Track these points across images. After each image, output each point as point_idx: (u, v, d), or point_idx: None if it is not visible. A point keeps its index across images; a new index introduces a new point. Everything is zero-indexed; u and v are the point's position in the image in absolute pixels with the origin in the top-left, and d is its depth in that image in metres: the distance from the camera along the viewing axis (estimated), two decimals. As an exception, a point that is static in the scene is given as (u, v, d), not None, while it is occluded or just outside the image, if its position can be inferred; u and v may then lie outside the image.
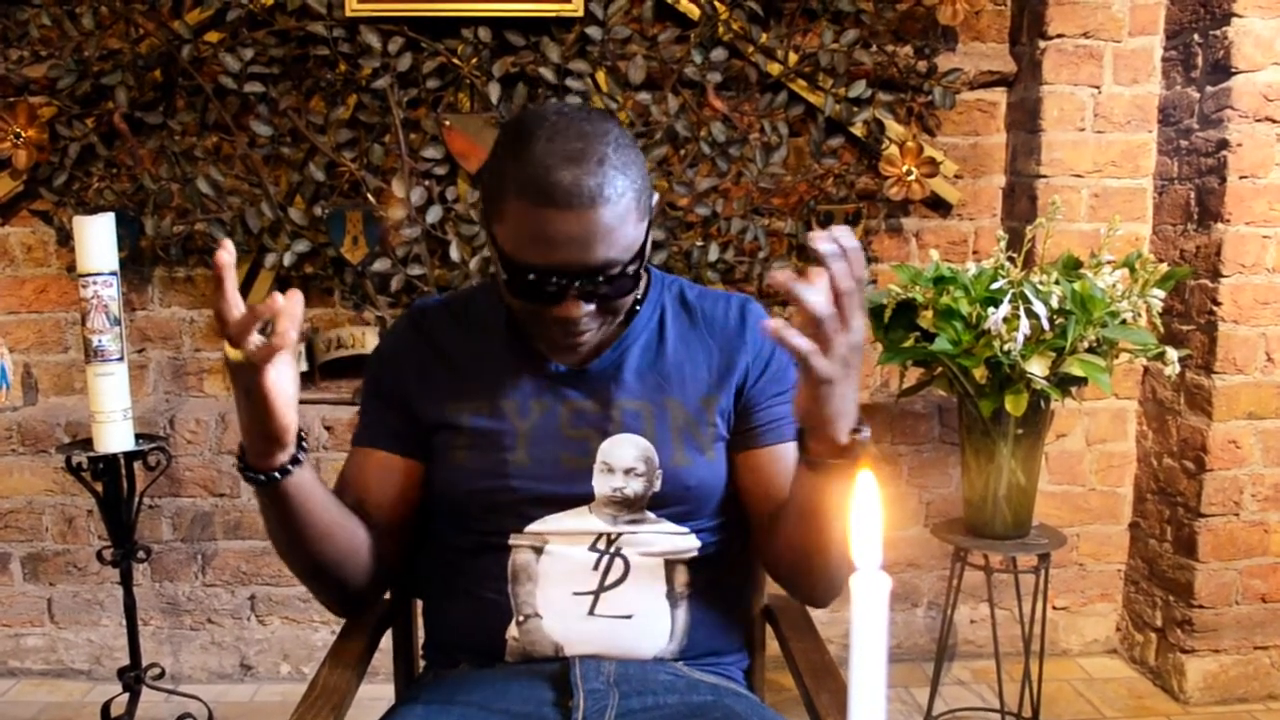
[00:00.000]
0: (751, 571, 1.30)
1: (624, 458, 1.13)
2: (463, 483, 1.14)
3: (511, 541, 1.13)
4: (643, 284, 1.18)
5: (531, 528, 1.13)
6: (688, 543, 1.16)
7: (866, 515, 0.54)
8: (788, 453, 1.14)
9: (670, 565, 1.15)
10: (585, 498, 1.13)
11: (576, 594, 1.11)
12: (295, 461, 0.99)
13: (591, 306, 1.05)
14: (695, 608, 1.15)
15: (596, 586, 1.12)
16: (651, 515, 1.14)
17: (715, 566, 1.18)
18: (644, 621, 1.13)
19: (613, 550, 1.13)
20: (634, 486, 1.13)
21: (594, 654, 1.11)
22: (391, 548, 1.17)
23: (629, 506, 1.13)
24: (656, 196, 1.13)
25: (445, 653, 1.19)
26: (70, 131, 2.24)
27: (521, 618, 1.11)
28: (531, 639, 1.11)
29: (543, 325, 1.08)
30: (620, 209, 1.00)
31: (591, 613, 1.11)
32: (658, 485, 1.13)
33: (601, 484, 1.13)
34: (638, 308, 1.17)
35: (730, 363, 1.17)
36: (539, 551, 1.12)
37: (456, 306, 1.23)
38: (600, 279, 1.02)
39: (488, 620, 1.13)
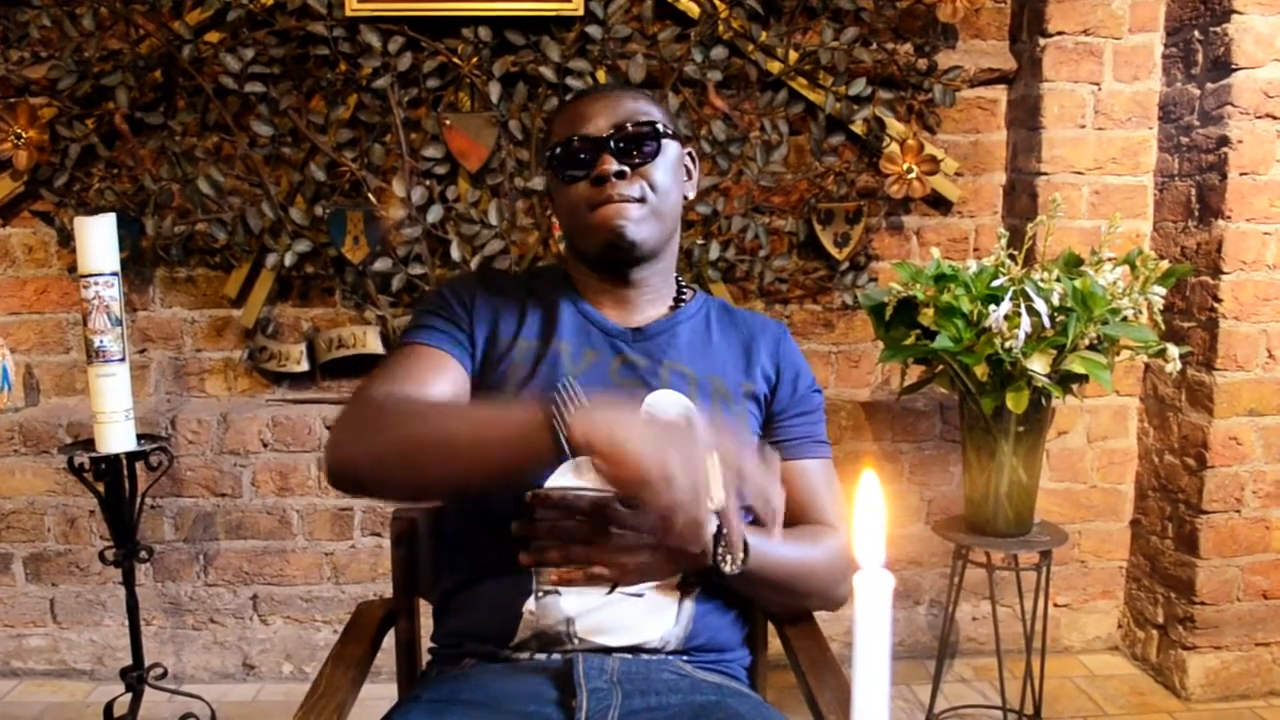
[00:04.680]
0: None
1: (667, 410, 1.18)
2: None
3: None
4: (690, 294, 1.32)
5: (562, 476, 1.11)
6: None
7: (869, 513, 0.54)
8: (807, 470, 1.27)
9: None
10: None
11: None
12: None
13: (624, 168, 1.19)
14: (703, 599, 1.17)
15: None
16: None
17: None
18: (653, 602, 1.14)
19: None
20: None
21: (602, 631, 1.12)
22: None
23: None
24: (694, 155, 1.32)
25: (453, 642, 1.20)
26: (71, 132, 2.25)
27: (541, 593, 1.13)
28: (546, 612, 1.12)
29: (589, 204, 1.20)
30: (641, 99, 1.24)
31: (607, 592, 1.12)
32: None
33: None
34: (684, 298, 1.30)
35: (767, 363, 1.28)
36: None
37: (521, 272, 1.34)
38: (624, 135, 1.19)
39: (507, 594, 1.13)
